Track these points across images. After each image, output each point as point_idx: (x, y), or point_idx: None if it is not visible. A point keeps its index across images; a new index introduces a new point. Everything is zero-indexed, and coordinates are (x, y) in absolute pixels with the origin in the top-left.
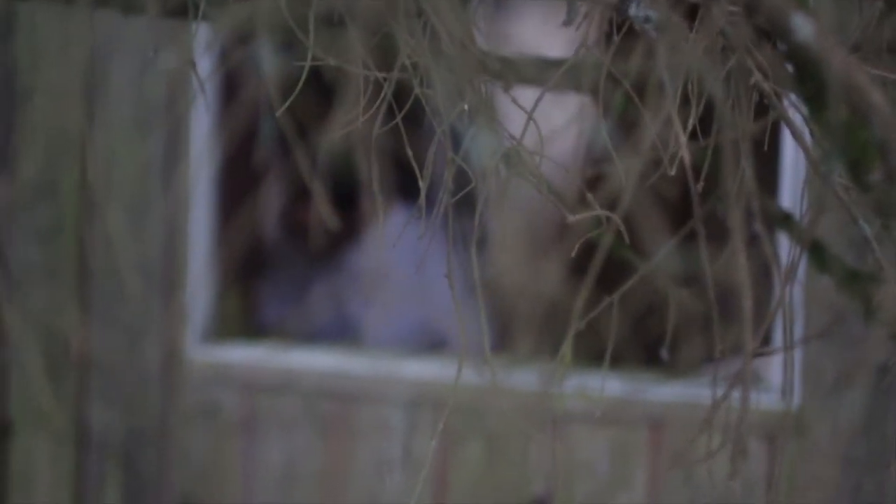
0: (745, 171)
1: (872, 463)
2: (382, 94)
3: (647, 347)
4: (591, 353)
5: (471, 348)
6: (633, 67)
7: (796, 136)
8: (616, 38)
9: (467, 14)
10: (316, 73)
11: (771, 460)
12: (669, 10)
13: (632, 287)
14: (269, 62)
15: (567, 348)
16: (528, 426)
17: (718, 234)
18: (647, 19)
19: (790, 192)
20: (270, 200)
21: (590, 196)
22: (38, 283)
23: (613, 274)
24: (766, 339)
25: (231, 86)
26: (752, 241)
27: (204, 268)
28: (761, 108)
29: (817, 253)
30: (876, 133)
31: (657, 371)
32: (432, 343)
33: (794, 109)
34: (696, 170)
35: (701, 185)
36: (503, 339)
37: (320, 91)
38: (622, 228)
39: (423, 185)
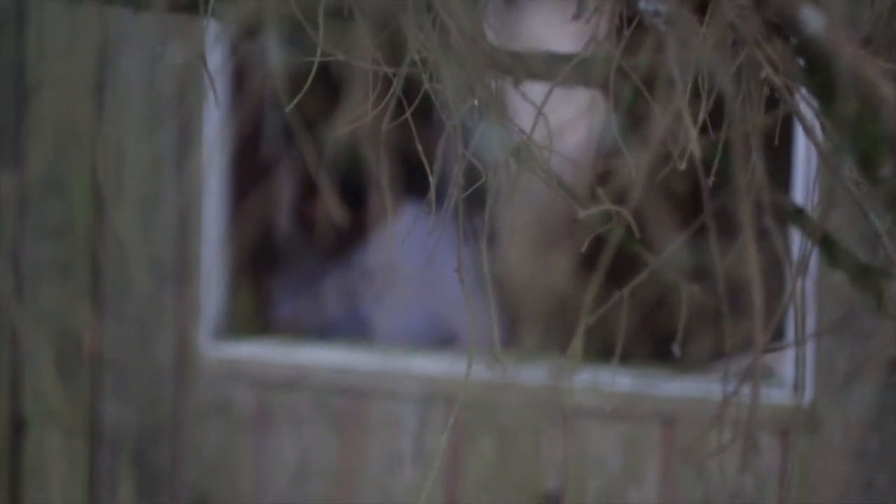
0: (755, 165)
1: (885, 457)
2: (392, 90)
3: (658, 342)
4: (603, 349)
5: (482, 343)
6: (643, 62)
7: (807, 129)
8: (626, 33)
9: (477, 9)
10: (326, 69)
11: (783, 455)
12: (679, 3)
13: (643, 282)
14: (276, 56)
15: (577, 343)
16: (539, 421)
17: (731, 229)
18: (656, 13)
19: (804, 187)
20: (282, 196)
21: (600, 191)
22: (50, 280)
23: (624, 268)
24: (779, 334)
25: (242, 81)
26: (764, 235)
27: (216, 264)
28: (773, 102)
29: (829, 247)
30: (886, 127)
31: (669, 366)
32: (444, 338)
33: (805, 103)
34: (708, 164)
35: (712, 179)
36: (514, 334)
37: (330, 86)
38: (632, 223)
39: (432, 180)
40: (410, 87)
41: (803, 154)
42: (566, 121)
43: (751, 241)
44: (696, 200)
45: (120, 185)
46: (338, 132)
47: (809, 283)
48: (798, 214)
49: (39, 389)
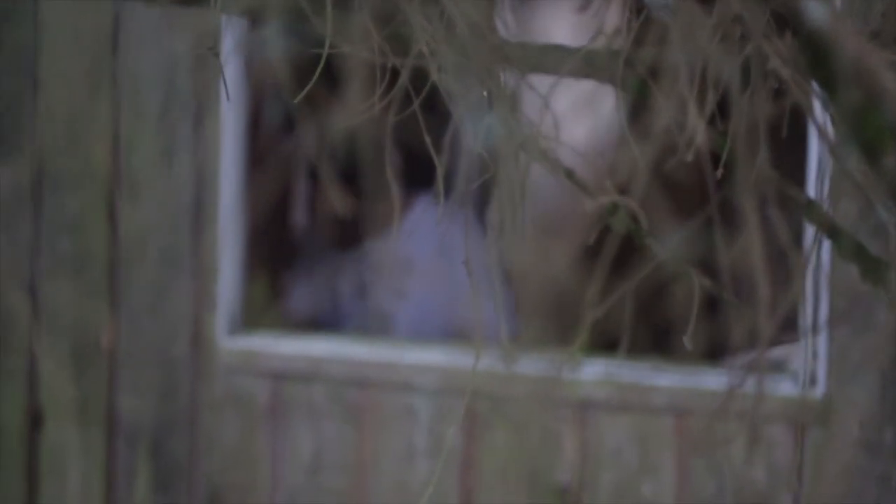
0: (762, 157)
1: None
2: (399, 82)
3: (670, 335)
4: (615, 341)
5: (494, 335)
6: (649, 54)
7: (814, 120)
8: (634, 25)
9: (484, 1)
10: (332, 61)
11: (796, 447)
12: None
13: (653, 273)
14: (279, 47)
15: (585, 336)
16: (553, 414)
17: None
18: (663, 5)
19: (817, 179)
20: (297, 189)
21: (608, 182)
22: (67, 273)
23: (634, 261)
24: (792, 327)
25: (256, 73)
26: (774, 227)
27: (232, 257)
28: (782, 94)
29: (839, 239)
30: (889, 118)
31: (680, 358)
32: (458, 331)
33: (814, 95)
34: (716, 156)
35: (721, 171)
36: (526, 325)
37: (339, 78)
38: (639, 215)
39: (440, 172)
40: (417, 79)
41: (817, 146)
42: (573, 113)
43: (755, 232)
44: (705, 192)
45: (134, 178)
46: (345, 125)
47: (822, 276)
48: (809, 206)
49: (56, 383)
